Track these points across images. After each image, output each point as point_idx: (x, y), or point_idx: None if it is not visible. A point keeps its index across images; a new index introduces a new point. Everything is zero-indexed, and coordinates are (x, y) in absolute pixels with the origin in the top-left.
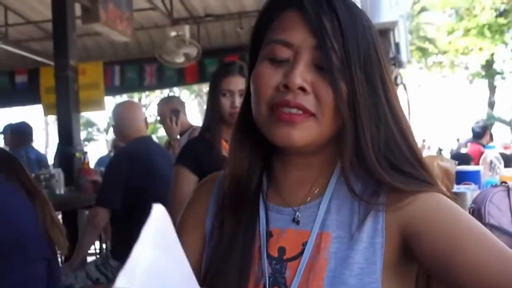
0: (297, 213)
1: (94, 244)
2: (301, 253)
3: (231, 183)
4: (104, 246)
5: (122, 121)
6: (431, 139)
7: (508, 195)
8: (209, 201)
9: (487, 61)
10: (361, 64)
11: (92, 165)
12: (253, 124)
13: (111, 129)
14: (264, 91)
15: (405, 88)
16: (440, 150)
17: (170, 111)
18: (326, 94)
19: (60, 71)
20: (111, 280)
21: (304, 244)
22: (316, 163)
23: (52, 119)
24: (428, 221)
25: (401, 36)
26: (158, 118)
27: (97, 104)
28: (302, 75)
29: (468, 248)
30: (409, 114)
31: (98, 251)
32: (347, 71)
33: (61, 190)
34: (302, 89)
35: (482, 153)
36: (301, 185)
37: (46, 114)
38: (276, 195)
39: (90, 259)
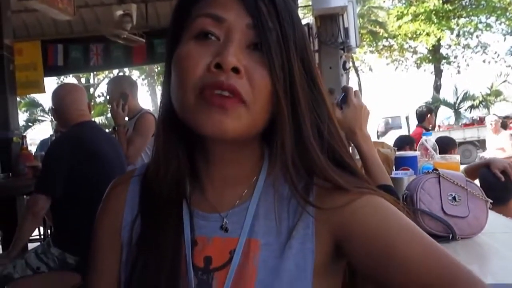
0: (225, 219)
1: (33, 232)
2: (229, 262)
3: (154, 187)
4: (49, 232)
5: (63, 105)
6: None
7: (439, 182)
8: (122, 208)
9: (433, 46)
10: (298, 52)
11: (34, 148)
12: (178, 120)
13: None
14: (193, 72)
15: (356, 71)
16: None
17: (119, 94)
18: (261, 79)
19: None
20: (53, 269)
21: (232, 252)
22: (242, 159)
23: None
24: (361, 225)
25: (350, 20)
26: (108, 97)
27: (36, 86)
28: (236, 55)
29: (400, 248)
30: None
31: (42, 236)
32: (284, 54)
33: None
34: (236, 70)
35: None
36: (228, 186)
37: None
38: (203, 200)
39: (33, 245)
